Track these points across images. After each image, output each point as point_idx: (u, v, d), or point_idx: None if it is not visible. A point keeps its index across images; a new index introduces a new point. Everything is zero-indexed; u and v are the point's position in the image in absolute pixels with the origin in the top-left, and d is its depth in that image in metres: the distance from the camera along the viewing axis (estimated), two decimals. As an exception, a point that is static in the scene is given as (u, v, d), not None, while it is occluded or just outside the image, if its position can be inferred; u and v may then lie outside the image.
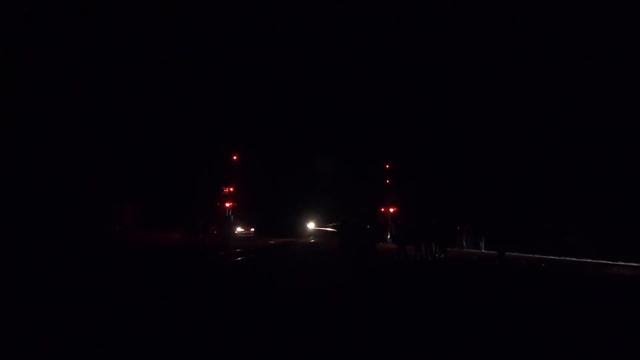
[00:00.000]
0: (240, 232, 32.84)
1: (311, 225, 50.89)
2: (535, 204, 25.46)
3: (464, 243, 27.80)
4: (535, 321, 5.61)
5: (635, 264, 17.39)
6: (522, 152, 23.87)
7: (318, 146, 46.25)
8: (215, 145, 31.33)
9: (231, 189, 34.67)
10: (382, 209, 38.80)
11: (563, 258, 20.15)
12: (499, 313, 6.19)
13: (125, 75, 19.55)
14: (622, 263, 17.93)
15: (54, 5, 15.66)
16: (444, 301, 7.05)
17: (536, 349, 4.22)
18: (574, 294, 8.61)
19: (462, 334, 4.72)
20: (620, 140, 22.41)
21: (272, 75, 34.15)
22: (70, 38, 15.69)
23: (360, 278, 10.07)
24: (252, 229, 35.31)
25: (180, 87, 24.43)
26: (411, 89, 30.76)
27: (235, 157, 35.01)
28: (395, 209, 36.72)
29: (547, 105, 22.85)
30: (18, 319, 4.59)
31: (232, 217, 32.79)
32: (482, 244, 26.43)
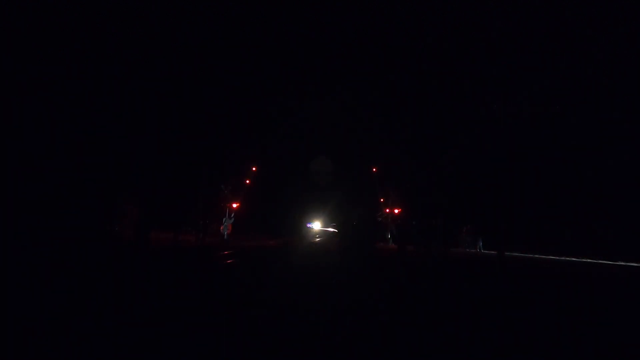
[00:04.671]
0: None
1: (316, 226, 50.95)
2: (535, 205, 25.41)
3: (465, 244, 27.81)
4: (531, 321, 5.61)
5: (635, 264, 17.35)
6: (521, 152, 23.83)
7: (318, 147, 46.13)
8: (215, 145, 31.36)
9: (242, 196, 34.91)
10: (387, 210, 38.75)
11: (563, 258, 20.11)
12: (489, 310, 6.20)
13: (130, 74, 19.61)
14: (622, 263, 17.90)
15: (54, 5, 15.74)
16: (437, 297, 7.06)
17: (532, 348, 4.23)
18: (573, 294, 8.60)
19: (450, 331, 4.73)
20: (620, 139, 22.36)
21: (270, 75, 34.08)
22: (69, 34, 15.74)
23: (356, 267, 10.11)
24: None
25: (182, 88, 24.47)
26: (408, 88, 30.69)
27: (237, 157, 35.11)
28: (395, 209, 36.69)
29: (546, 104, 22.82)
30: (19, 318, 4.61)
31: (233, 218, 32.78)
32: (480, 245, 26.45)
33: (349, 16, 29.16)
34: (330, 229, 47.63)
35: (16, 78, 14.23)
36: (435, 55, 27.07)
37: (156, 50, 21.14)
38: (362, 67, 34.01)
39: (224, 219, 30.85)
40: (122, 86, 18.81)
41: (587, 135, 23.86)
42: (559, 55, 23.81)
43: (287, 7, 27.82)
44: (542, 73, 23.98)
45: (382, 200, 39.84)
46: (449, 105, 28.30)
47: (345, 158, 44.86)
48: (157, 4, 20.92)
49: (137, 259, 12.30)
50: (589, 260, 18.96)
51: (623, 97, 22.62)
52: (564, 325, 5.29)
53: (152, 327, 4.38)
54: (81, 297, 5.79)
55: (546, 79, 23.83)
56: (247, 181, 37.52)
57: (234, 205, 33.59)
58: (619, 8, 21.38)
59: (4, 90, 13.74)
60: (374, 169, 40.10)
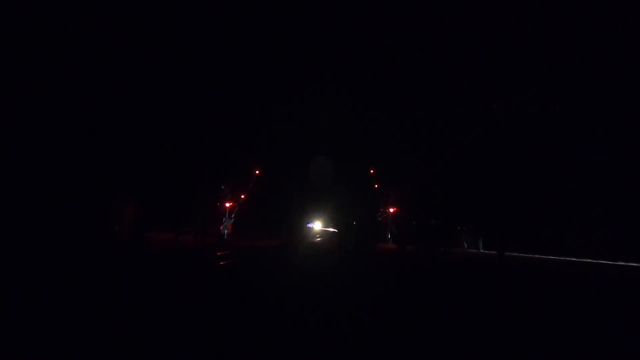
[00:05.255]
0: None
1: (317, 226, 50.93)
2: (535, 205, 25.38)
3: (465, 244, 27.77)
4: (531, 320, 5.60)
5: (635, 264, 17.33)
6: (521, 152, 23.81)
7: (318, 147, 46.07)
8: (215, 146, 31.32)
9: (242, 196, 34.88)
10: (387, 210, 38.66)
11: (563, 258, 20.09)
12: (490, 310, 6.19)
13: (130, 74, 19.58)
14: (622, 263, 17.88)
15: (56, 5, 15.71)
16: (437, 299, 7.05)
17: (533, 348, 4.22)
18: (572, 294, 8.59)
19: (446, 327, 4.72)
20: (620, 139, 22.35)
21: (270, 75, 34.04)
22: (69, 34, 15.71)
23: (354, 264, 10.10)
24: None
25: (182, 88, 24.44)
26: (407, 88, 30.67)
27: (237, 157, 35.06)
28: (395, 209, 36.62)
29: (546, 104, 22.80)
30: (20, 317, 4.60)
31: (233, 218, 32.76)
32: (481, 244, 26.41)
33: (349, 16, 29.14)
34: (331, 229, 47.62)
35: (16, 78, 14.21)
36: (435, 55, 27.04)
37: (156, 50, 21.11)
38: (362, 66, 33.96)
39: (224, 219, 30.83)
40: (122, 86, 18.79)
41: (587, 135, 23.84)
42: (559, 55, 23.78)
43: (287, 7, 27.80)
44: (542, 73, 23.96)
45: (381, 200, 39.76)
46: (449, 105, 28.26)
47: (345, 158, 44.77)
48: (157, 4, 20.90)
49: (132, 259, 12.28)
50: (589, 260, 18.94)
51: (623, 97, 22.60)
52: (564, 324, 5.28)
53: (143, 327, 4.37)
54: (74, 296, 5.79)
55: (546, 79, 23.81)
56: (249, 182, 37.48)
57: (234, 205, 33.55)
58: (619, 8, 21.35)
59: (4, 90, 13.73)
60: (374, 169, 40.04)
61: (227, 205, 32.33)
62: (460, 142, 27.49)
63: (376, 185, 39.31)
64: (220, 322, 4.72)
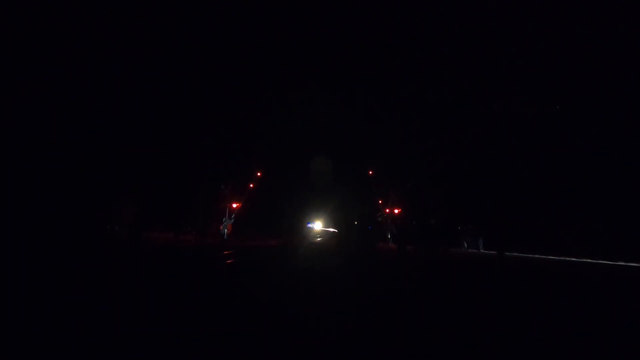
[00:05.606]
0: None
1: (317, 226, 50.90)
2: (535, 204, 25.41)
3: (465, 244, 27.75)
4: (532, 321, 5.60)
5: (635, 264, 17.34)
6: (522, 152, 23.85)
7: (318, 147, 46.14)
8: (215, 145, 31.36)
9: (242, 196, 34.91)
10: (387, 210, 38.73)
11: (563, 258, 20.10)
12: (483, 310, 6.19)
13: (130, 74, 19.60)
14: (622, 263, 17.88)
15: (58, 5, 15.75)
16: (439, 301, 7.05)
17: (530, 350, 4.22)
18: (572, 295, 8.59)
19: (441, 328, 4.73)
20: (620, 139, 22.38)
21: (270, 75, 34.10)
22: (69, 34, 15.73)
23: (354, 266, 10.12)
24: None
25: (182, 88, 24.46)
26: (407, 88, 30.73)
27: (236, 157, 35.10)
28: (395, 209, 36.68)
29: (546, 104, 22.85)
30: (19, 317, 4.61)
31: (233, 218, 32.78)
32: (481, 244, 26.38)
33: (349, 16, 29.18)
34: (331, 229, 47.61)
35: (16, 78, 14.23)
36: (435, 55, 27.06)
37: (156, 50, 21.14)
38: (361, 67, 34.03)
39: (224, 219, 30.83)
40: (122, 86, 18.82)
41: (587, 135, 23.89)
42: (559, 55, 23.81)
43: (287, 7, 27.85)
44: (542, 73, 24.00)
45: (381, 200, 39.81)
46: (449, 105, 28.30)
47: (345, 158, 44.85)
48: (157, 4, 20.93)
49: (131, 259, 12.27)
50: (588, 260, 18.94)
51: (623, 97, 22.63)
52: (564, 325, 5.29)
53: (142, 327, 4.37)
54: (74, 296, 5.79)
55: (546, 79, 23.84)
56: (249, 182, 37.50)
57: (234, 205, 33.55)
58: (619, 8, 21.39)
59: (4, 90, 13.74)
60: (374, 169, 40.08)
61: (227, 205, 32.31)
62: (460, 142, 27.50)
63: (376, 185, 39.34)
64: (218, 322, 4.72)
